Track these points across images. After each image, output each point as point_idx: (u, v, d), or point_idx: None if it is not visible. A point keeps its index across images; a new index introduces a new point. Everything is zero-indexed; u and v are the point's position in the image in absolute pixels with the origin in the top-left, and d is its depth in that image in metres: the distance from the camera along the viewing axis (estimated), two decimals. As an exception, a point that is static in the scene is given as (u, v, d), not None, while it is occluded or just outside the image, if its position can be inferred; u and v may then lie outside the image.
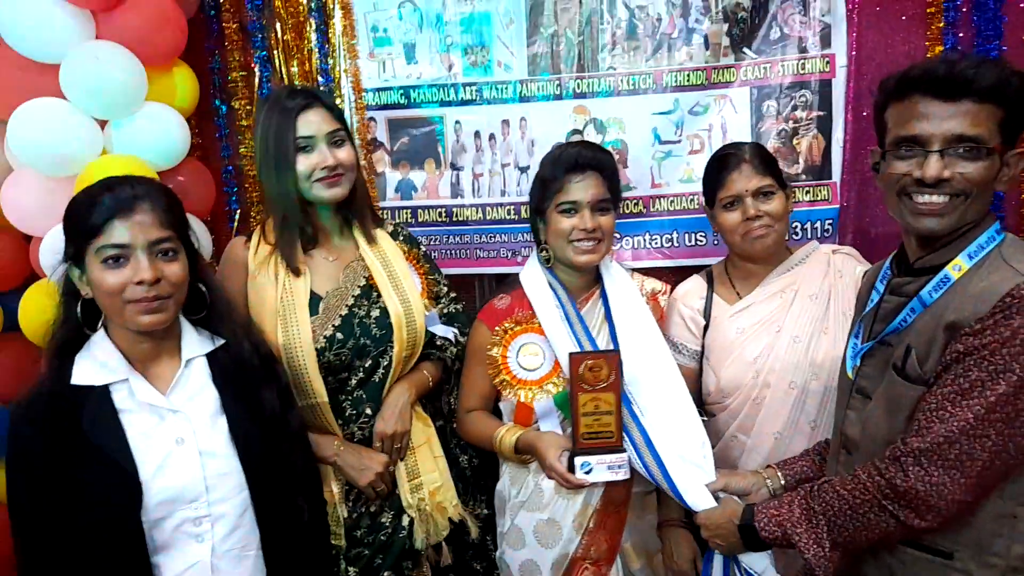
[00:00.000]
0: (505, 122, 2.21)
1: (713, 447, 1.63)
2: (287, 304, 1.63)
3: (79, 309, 1.33)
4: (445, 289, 1.87)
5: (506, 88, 2.20)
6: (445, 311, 1.84)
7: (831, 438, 1.40)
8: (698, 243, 2.18)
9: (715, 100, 2.12)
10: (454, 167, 2.26)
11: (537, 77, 2.18)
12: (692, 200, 2.16)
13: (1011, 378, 1.06)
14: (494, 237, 2.27)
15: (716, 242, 2.15)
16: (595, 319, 1.71)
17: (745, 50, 2.09)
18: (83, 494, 1.25)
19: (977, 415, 1.08)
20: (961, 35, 1.94)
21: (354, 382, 1.68)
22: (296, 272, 1.64)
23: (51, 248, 1.80)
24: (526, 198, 2.19)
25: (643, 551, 1.67)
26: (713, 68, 2.11)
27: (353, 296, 1.69)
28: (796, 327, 1.67)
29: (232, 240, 1.76)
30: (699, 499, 1.49)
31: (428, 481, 1.71)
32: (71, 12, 1.78)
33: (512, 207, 2.25)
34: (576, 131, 2.18)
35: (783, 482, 1.49)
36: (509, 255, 2.26)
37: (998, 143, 1.13)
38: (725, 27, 2.08)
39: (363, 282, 1.71)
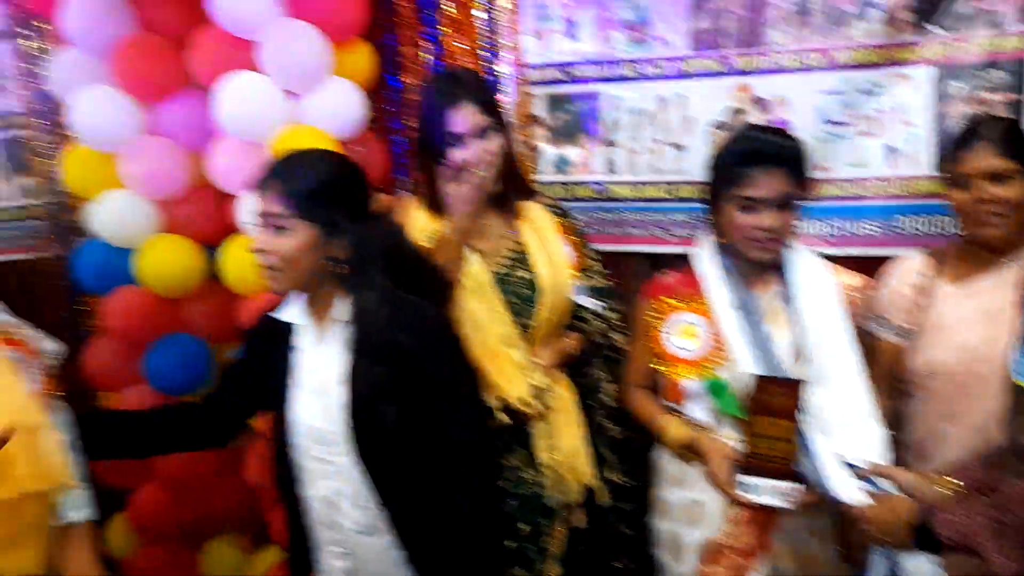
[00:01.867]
0: (662, 99, 2.20)
1: (910, 432, 1.59)
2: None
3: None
4: (596, 264, 1.92)
5: (665, 64, 2.18)
6: (594, 285, 1.88)
7: (1000, 446, 1.32)
8: (870, 233, 2.05)
9: (893, 79, 1.98)
10: (610, 143, 2.27)
11: (698, 53, 2.14)
12: (862, 186, 2.04)
13: None
14: (647, 215, 2.27)
15: (890, 232, 2.04)
16: (771, 307, 1.65)
17: (929, 25, 1.93)
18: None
19: None
20: None
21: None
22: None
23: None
24: (681, 176, 2.21)
25: (796, 554, 1.61)
26: (892, 45, 1.97)
27: (508, 258, 1.79)
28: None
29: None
30: (851, 492, 1.43)
31: (563, 445, 1.78)
32: (268, -8, 1.97)
33: (667, 185, 2.23)
34: (738, 110, 2.13)
35: (953, 489, 1.38)
36: (662, 233, 2.26)
37: None
38: (908, 0, 1.94)
39: (516, 246, 1.81)
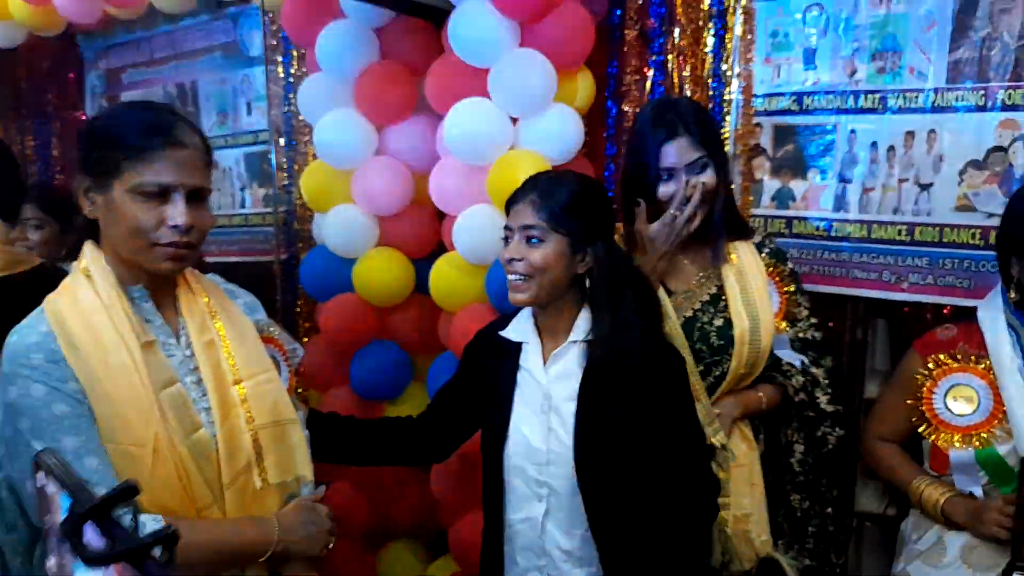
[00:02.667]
0: (910, 133, 2.02)
1: None
2: None
3: None
4: (806, 312, 1.78)
5: (917, 97, 1.99)
6: (801, 335, 1.75)
7: None
8: None
9: None
10: (841, 179, 2.11)
11: (957, 85, 1.95)
12: None
13: None
14: (876, 257, 2.08)
15: None
16: None
17: None
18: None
19: None
20: None
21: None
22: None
23: (466, 225, 2.09)
24: (922, 218, 2.01)
25: None
26: None
27: (701, 301, 1.70)
28: None
29: None
30: None
31: (736, 505, 1.65)
32: (504, 22, 2.03)
33: (905, 227, 2.04)
34: (999, 148, 1.91)
35: None
36: (893, 279, 2.06)
37: None
38: None
39: (714, 290, 1.71)
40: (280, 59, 2.76)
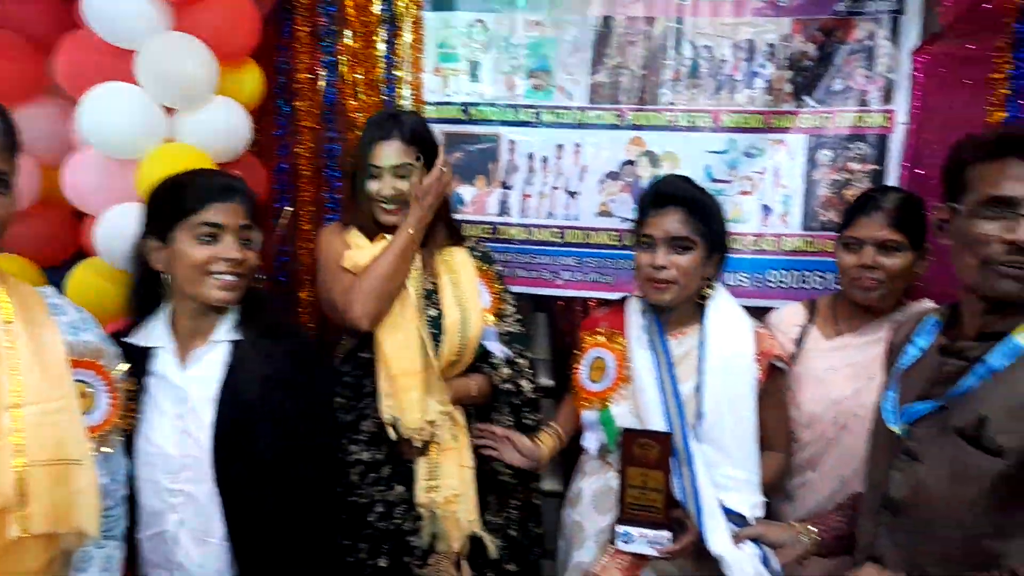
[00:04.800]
0: (560, 146, 2.24)
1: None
2: None
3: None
4: (512, 310, 1.93)
5: (565, 114, 2.22)
6: (509, 330, 1.88)
7: (863, 493, 1.38)
8: (740, 284, 2.18)
9: (771, 144, 2.14)
10: (504, 185, 2.27)
11: (597, 106, 2.21)
12: (738, 240, 2.15)
13: None
14: (535, 258, 2.28)
15: (760, 285, 2.16)
16: (683, 354, 1.67)
17: (805, 98, 2.11)
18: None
19: None
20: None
21: None
22: None
23: (109, 227, 1.83)
24: (572, 222, 2.25)
25: None
26: (772, 113, 2.13)
27: (417, 297, 1.77)
28: None
29: (330, 226, 1.90)
30: (719, 543, 1.49)
31: (446, 487, 1.73)
32: (152, 1, 1.81)
33: (557, 229, 2.26)
34: (629, 162, 2.21)
35: (819, 538, 1.45)
36: (550, 276, 2.28)
37: None
38: (789, 74, 2.10)
39: (430, 285, 1.80)
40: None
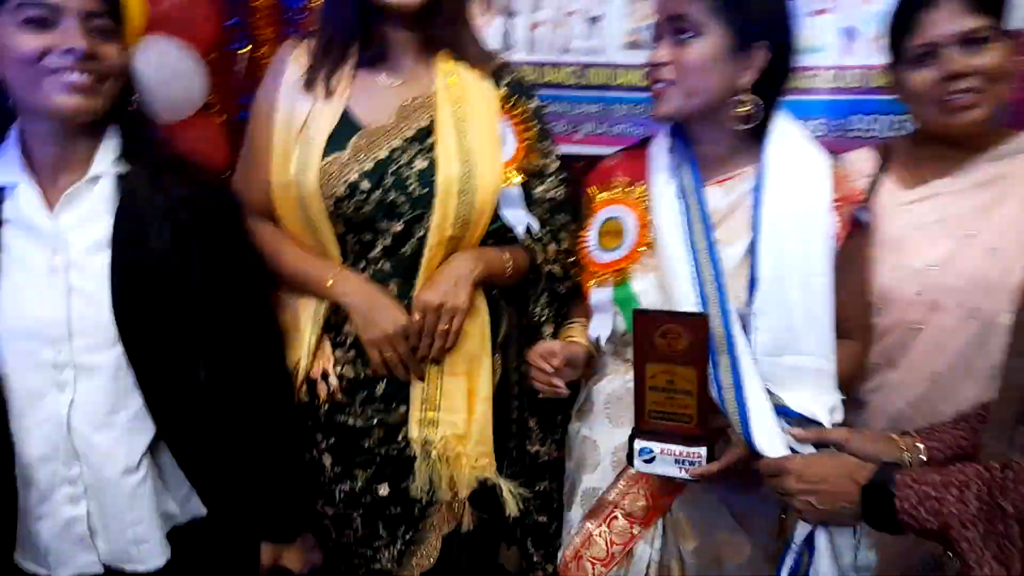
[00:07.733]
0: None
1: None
2: (310, 131, 1.29)
3: None
4: (553, 167, 1.44)
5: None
6: (544, 194, 1.42)
7: (996, 400, 1.04)
8: (815, 133, 1.68)
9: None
10: (508, 13, 1.87)
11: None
12: (812, 76, 1.70)
13: None
14: (547, 105, 1.82)
15: (840, 135, 1.76)
16: (730, 205, 1.28)
17: None
18: None
19: None
20: None
21: (379, 249, 1.32)
22: (329, 93, 1.30)
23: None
24: (594, 57, 1.84)
25: (701, 532, 1.28)
26: None
27: (404, 138, 1.31)
28: (998, 237, 1.28)
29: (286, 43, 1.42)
30: (769, 443, 1.14)
31: (447, 421, 1.33)
32: None
33: (576, 67, 1.85)
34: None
35: (925, 458, 1.10)
36: (567, 128, 1.89)
37: None
38: None
39: (425, 123, 1.33)
40: None
